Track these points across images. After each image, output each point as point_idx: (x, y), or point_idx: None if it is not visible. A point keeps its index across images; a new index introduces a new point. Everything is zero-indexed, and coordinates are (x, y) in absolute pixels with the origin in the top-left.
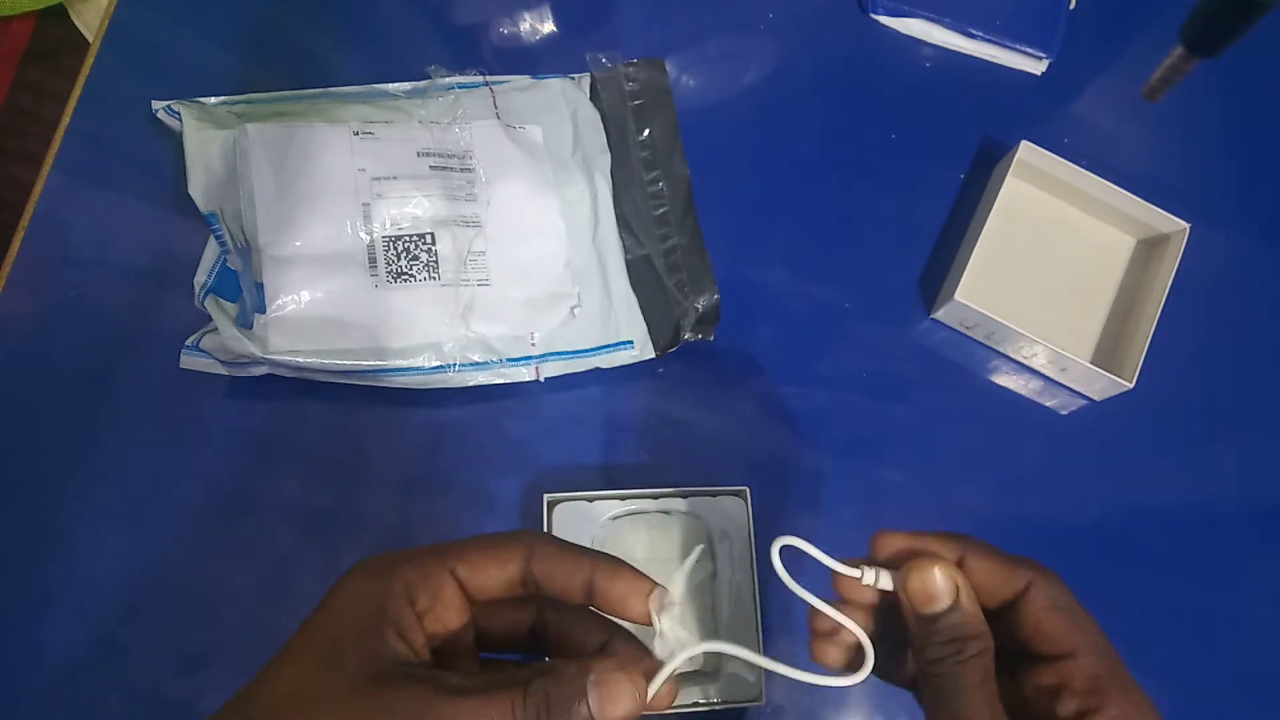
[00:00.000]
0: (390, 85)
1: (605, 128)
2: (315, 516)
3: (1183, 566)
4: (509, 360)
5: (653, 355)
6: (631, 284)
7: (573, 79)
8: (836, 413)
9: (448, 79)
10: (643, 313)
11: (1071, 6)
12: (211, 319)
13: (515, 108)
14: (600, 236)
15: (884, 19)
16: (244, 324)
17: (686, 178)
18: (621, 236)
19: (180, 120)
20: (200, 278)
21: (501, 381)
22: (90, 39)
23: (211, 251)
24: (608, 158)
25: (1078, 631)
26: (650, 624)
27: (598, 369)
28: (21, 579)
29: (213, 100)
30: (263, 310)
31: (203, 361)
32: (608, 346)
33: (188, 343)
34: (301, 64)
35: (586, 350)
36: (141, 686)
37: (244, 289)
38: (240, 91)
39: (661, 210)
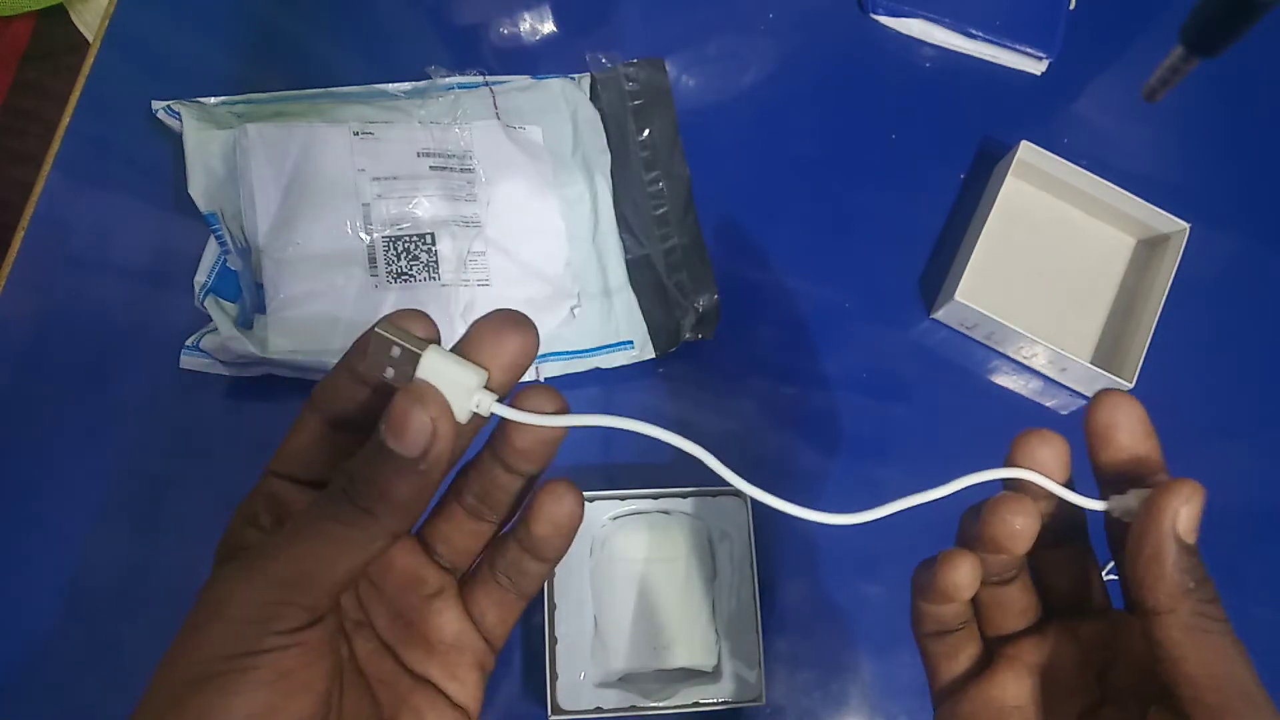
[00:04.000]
0: (390, 85)
1: (605, 128)
2: None
3: None
4: None
5: (653, 355)
6: (631, 284)
7: (573, 79)
8: (836, 413)
9: (448, 79)
10: (643, 313)
11: (1071, 6)
12: (211, 319)
13: (515, 108)
14: (600, 236)
15: (884, 19)
16: (244, 324)
17: (686, 178)
18: (621, 236)
19: (180, 120)
20: (200, 278)
21: None
22: (90, 39)
23: (211, 251)
24: (608, 158)
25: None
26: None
27: (598, 369)
28: (21, 579)
29: (213, 100)
30: (263, 310)
31: (202, 361)
32: (608, 346)
33: (188, 343)
34: (301, 64)
35: (586, 350)
36: (141, 686)
37: (244, 289)
38: (240, 91)
39: (661, 210)
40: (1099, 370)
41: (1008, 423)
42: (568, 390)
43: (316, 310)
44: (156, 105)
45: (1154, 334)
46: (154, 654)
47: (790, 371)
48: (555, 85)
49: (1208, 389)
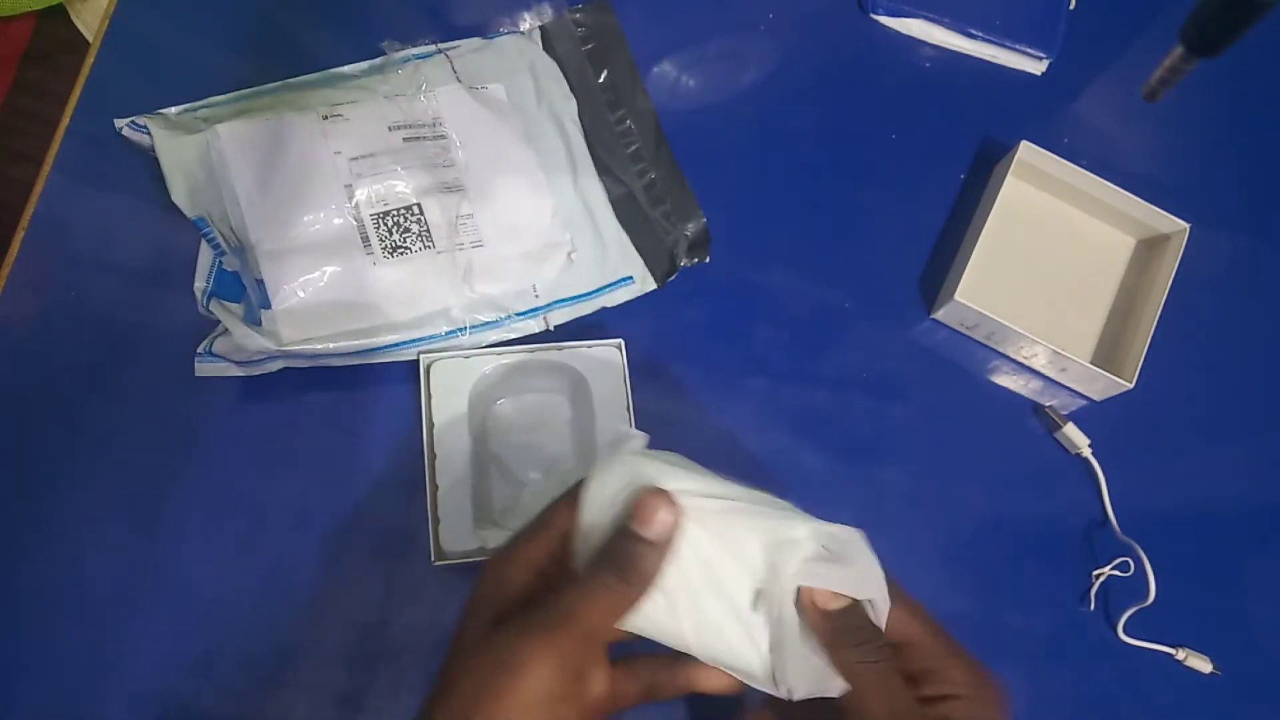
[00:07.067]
0: (346, 67)
1: (565, 75)
2: (316, 516)
3: (1183, 566)
4: (517, 314)
5: (654, 286)
6: (620, 222)
7: (523, 34)
8: (836, 413)
9: (402, 52)
10: (636, 247)
11: (1071, 6)
12: (219, 323)
13: (473, 69)
14: (581, 181)
15: (884, 19)
16: (252, 321)
17: (652, 111)
18: (601, 178)
19: (148, 134)
20: (199, 283)
21: (515, 336)
22: (90, 39)
23: (206, 256)
24: (573, 104)
25: (908, 617)
26: None
27: (604, 308)
28: (21, 579)
29: (173, 110)
30: (268, 305)
31: (218, 366)
32: (609, 285)
33: (199, 350)
34: (300, 60)
35: (589, 293)
36: (141, 686)
37: (246, 287)
38: (242, 89)
39: (633, 147)
40: (1099, 370)
41: (1008, 423)
42: (577, 336)
43: (321, 296)
44: (119, 123)
45: (1154, 334)
46: (153, 654)
47: (790, 371)
48: (508, 42)
49: (1208, 389)
